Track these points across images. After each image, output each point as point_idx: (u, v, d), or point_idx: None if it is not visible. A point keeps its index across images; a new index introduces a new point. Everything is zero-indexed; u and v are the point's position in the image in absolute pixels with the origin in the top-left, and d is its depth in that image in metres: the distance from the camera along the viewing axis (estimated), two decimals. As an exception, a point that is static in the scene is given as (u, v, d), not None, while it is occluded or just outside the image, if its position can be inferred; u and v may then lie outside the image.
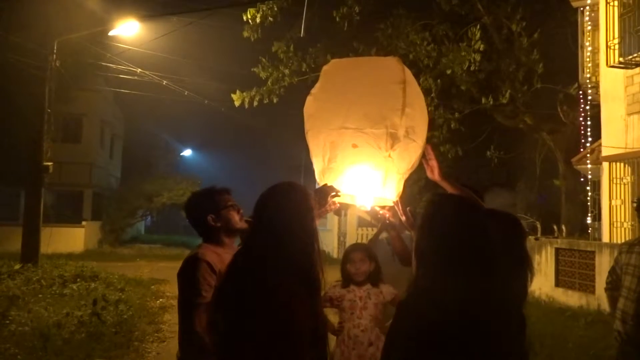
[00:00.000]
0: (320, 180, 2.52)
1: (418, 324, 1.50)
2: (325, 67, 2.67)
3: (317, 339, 1.82)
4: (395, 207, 2.52)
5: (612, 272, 3.07)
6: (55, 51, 12.23)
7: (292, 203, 1.90)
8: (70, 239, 18.41)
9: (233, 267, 1.92)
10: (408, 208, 2.49)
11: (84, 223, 20.32)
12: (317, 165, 2.54)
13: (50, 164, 12.30)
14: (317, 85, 2.62)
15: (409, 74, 2.55)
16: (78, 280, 10.23)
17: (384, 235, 4.03)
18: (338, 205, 2.47)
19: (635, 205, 2.99)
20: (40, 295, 8.50)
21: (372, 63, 2.74)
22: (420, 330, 1.49)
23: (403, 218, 2.48)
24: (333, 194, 2.38)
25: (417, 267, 1.64)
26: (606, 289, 3.15)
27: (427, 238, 1.62)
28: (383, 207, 2.67)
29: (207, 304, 2.27)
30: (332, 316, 3.45)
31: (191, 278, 2.34)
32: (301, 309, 1.75)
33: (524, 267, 1.89)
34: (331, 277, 3.43)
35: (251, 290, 1.78)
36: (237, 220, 2.55)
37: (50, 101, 12.33)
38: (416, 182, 14.69)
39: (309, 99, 2.60)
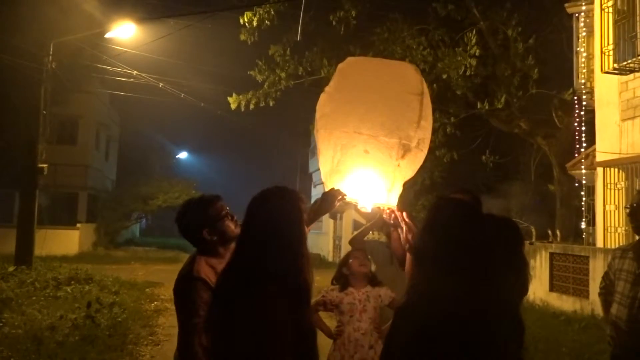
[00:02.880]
0: (326, 180, 2.52)
1: (417, 327, 1.50)
2: (341, 65, 2.65)
3: (303, 348, 1.79)
4: (397, 212, 2.53)
5: (606, 277, 3.08)
6: (51, 53, 12.21)
7: (282, 208, 1.89)
8: (64, 241, 18.34)
9: (222, 276, 1.92)
10: (405, 213, 2.50)
11: (78, 225, 20.25)
12: (325, 165, 2.53)
13: (45, 165, 12.26)
14: (332, 83, 2.61)
15: (424, 84, 2.58)
16: (72, 282, 10.18)
17: (382, 238, 4.04)
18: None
19: (628, 210, 2.99)
20: (34, 298, 8.46)
21: (390, 68, 2.74)
22: (419, 333, 1.49)
23: (403, 225, 2.48)
24: (340, 197, 2.38)
25: (417, 270, 1.64)
26: (599, 294, 3.16)
27: (428, 241, 1.63)
28: (386, 208, 2.67)
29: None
30: (330, 320, 3.44)
31: (187, 299, 2.31)
32: (281, 320, 1.73)
33: (522, 272, 1.89)
34: (326, 280, 3.44)
35: (235, 301, 1.78)
36: (233, 229, 2.50)
37: (45, 103, 12.30)
38: (412, 187, 14.73)
39: (322, 96, 2.58)
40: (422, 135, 2.47)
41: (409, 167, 2.49)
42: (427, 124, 2.51)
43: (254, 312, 1.73)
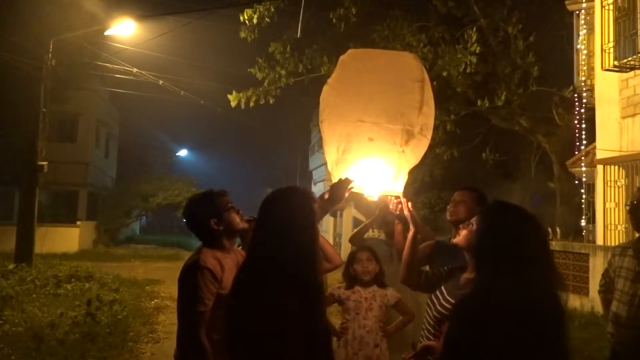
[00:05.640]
0: (333, 170, 2.54)
1: (488, 316, 1.59)
2: (342, 57, 2.68)
3: (317, 347, 1.79)
4: (403, 199, 2.54)
5: (606, 274, 3.08)
6: (51, 50, 12.19)
7: (294, 208, 1.90)
8: (64, 239, 18.36)
9: (237, 276, 1.94)
10: (410, 203, 2.52)
11: (78, 223, 20.26)
12: (331, 155, 2.55)
13: (45, 163, 12.26)
14: (334, 75, 2.64)
15: (425, 72, 2.62)
16: (72, 280, 10.19)
17: (382, 236, 4.03)
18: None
19: (628, 208, 3.00)
20: (34, 296, 8.47)
21: (390, 57, 2.78)
22: (490, 321, 1.58)
23: (406, 212, 2.49)
24: (350, 186, 2.38)
25: (479, 269, 1.77)
26: (599, 292, 3.16)
27: (490, 243, 1.74)
28: (392, 196, 2.67)
29: (209, 311, 2.29)
30: (334, 317, 3.45)
31: (193, 286, 2.33)
32: (293, 319, 1.74)
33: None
34: (332, 278, 3.45)
35: (249, 300, 1.79)
36: (238, 221, 2.56)
37: (45, 100, 12.29)
38: (412, 184, 14.73)
39: (325, 88, 2.61)
40: (425, 121, 2.51)
41: (413, 154, 2.53)
42: (429, 110, 2.55)
43: (267, 311, 1.74)
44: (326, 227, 22.34)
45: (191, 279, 2.35)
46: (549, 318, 1.61)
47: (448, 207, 3.05)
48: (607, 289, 3.04)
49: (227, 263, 2.44)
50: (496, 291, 1.63)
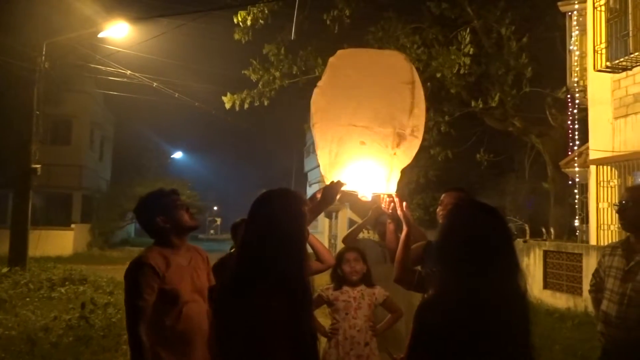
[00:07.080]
0: (326, 173, 2.55)
1: (446, 317, 1.58)
2: (331, 59, 2.68)
3: (302, 350, 1.80)
4: (396, 199, 2.56)
5: (596, 274, 3.10)
6: (44, 53, 12.16)
7: (283, 209, 1.90)
8: (59, 242, 18.27)
9: (227, 276, 1.94)
10: (405, 203, 2.54)
11: (73, 226, 20.17)
12: (323, 158, 2.57)
13: (38, 166, 12.22)
14: (324, 78, 2.64)
15: (415, 72, 2.62)
16: (66, 283, 10.16)
17: (375, 237, 4.05)
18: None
19: (617, 208, 3.02)
20: (27, 299, 8.44)
21: (380, 58, 2.78)
22: (449, 327, 1.57)
23: (400, 212, 2.51)
24: (342, 189, 2.40)
25: (442, 268, 1.72)
26: (590, 291, 3.18)
27: (453, 241, 1.71)
28: (385, 195, 2.69)
29: (150, 307, 2.34)
30: (324, 318, 3.46)
31: (134, 281, 2.39)
32: (279, 320, 1.74)
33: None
34: (321, 279, 3.45)
35: (235, 299, 1.79)
36: (187, 219, 2.60)
37: (39, 103, 12.26)
38: (407, 185, 14.76)
39: (316, 91, 2.62)
40: (416, 122, 2.52)
41: (405, 155, 2.54)
42: (420, 111, 2.56)
43: (254, 311, 1.74)
44: (321, 228, 22.36)
45: (132, 274, 2.41)
46: (513, 318, 1.59)
47: (437, 210, 3.06)
48: (597, 289, 3.06)
49: (175, 260, 2.49)
50: (458, 292, 1.60)
